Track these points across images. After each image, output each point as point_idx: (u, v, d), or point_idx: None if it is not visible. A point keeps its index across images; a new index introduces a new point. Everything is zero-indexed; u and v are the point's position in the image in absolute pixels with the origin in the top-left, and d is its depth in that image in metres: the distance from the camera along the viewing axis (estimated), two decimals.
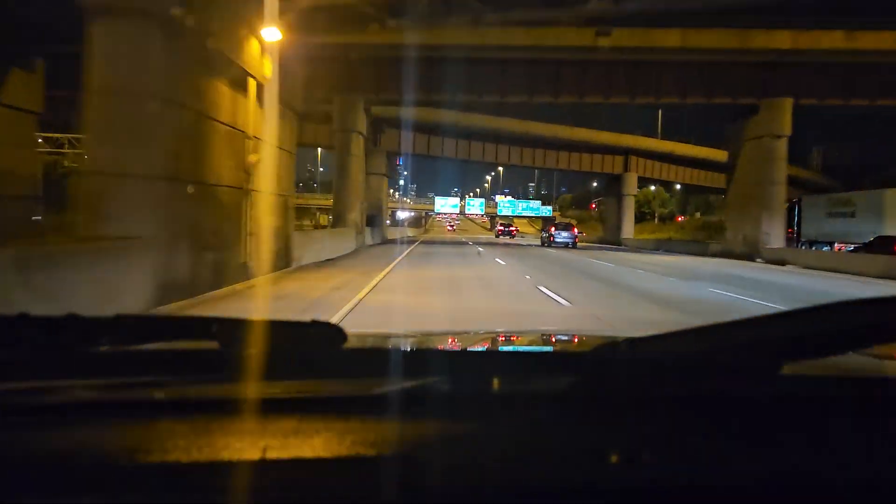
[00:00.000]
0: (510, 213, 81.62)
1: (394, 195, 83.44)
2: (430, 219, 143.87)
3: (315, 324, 0.89)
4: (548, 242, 36.75)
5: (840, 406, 0.87)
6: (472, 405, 0.84)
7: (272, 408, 0.80)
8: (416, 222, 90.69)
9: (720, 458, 0.73)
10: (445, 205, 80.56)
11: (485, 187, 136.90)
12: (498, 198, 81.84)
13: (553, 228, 37.21)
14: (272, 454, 0.68)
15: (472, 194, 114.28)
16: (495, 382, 0.94)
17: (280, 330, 0.90)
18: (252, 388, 0.85)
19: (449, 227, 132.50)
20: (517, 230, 66.92)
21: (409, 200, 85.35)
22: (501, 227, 63.61)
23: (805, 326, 0.85)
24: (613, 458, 0.71)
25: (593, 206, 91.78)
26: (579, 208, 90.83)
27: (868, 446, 0.76)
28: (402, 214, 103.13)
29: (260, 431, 0.74)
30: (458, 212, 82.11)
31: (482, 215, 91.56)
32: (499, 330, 3.82)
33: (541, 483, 0.67)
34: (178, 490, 0.64)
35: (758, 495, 0.67)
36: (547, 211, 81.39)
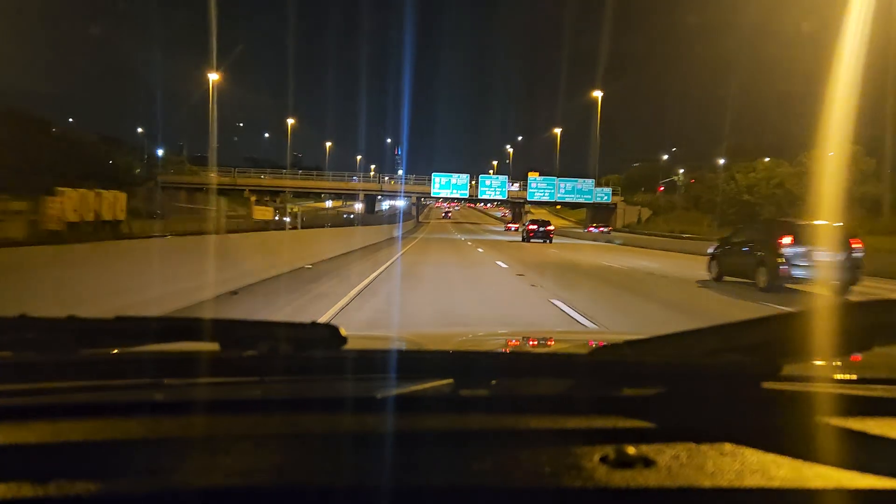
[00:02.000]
0: (546, 199, 55.29)
1: (382, 177, 57.41)
2: (428, 208, 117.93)
3: (314, 325, 0.91)
4: (780, 278, 10.42)
5: (839, 407, 0.88)
6: (471, 406, 0.87)
7: (272, 409, 0.84)
8: (407, 213, 64.53)
9: (718, 459, 0.73)
10: (448, 184, 54.31)
11: (497, 167, 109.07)
12: (531, 175, 55.39)
13: (783, 239, 10.85)
14: (272, 454, 0.71)
15: (491, 171, 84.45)
16: (494, 384, 0.95)
17: (280, 331, 0.92)
18: (252, 390, 0.90)
19: (444, 216, 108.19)
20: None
21: (395, 182, 59.02)
22: (533, 225, 37.24)
23: (804, 328, 0.86)
24: (612, 459, 0.72)
25: (661, 188, 65.35)
26: (646, 191, 64.17)
27: (867, 446, 0.78)
28: (387, 204, 78.22)
29: (260, 432, 0.77)
30: (466, 196, 55.86)
31: (503, 203, 65.23)
32: (499, 331, 3.81)
33: (539, 485, 0.68)
34: (178, 490, 0.65)
35: (758, 498, 0.67)
36: (604, 195, 55.00)
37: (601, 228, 52.70)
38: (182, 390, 0.91)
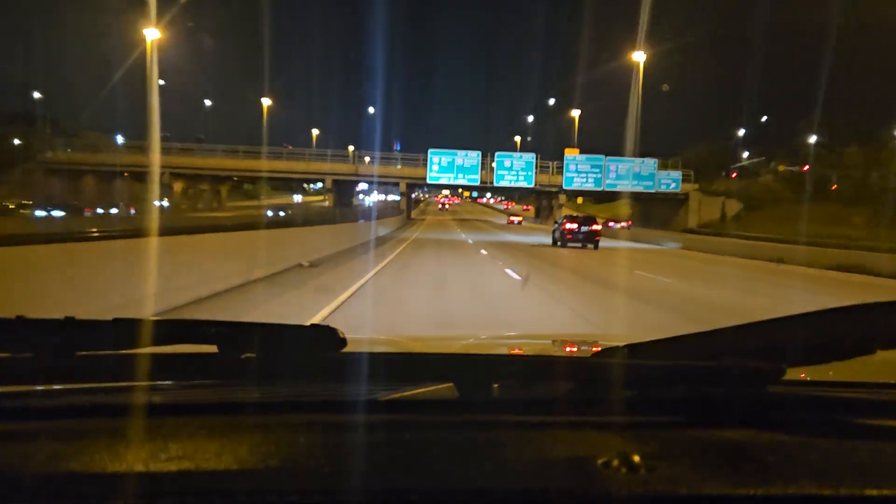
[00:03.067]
0: (591, 186, 39.97)
1: (355, 156, 41.98)
2: (424, 203, 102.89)
3: (314, 328, 0.92)
4: None
5: (843, 410, 0.90)
6: (472, 410, 0.88)
7: (271, 411, 0.86)
8: (393, 208, 49.03)
9: (723, 465, 0.74)
10: (451, 166, 38.88)
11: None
12: (568, 152, 39.78)
13: None
14: (270, 457, 0.72)
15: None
16: (494, 388, 0.97)
17: (279, 334, 0.92)
18: (251, 392, 0.92)
19: (441, 208, 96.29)
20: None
21: (377, 164, 43.09)
22: (572, 224, 25.86)
23: (807, 331, 0.87)
24: (614, 464, 0.72)
25: (735, 174, 50.26)
26: (724, 177, 48.32)
27: (870, 450, 0.79)
28: (373, 198, 62.32)
29: (259, 435, 0.77)
30: (477, 183, 40.35)
31: (529, 193, 49.54)
32: (500, 334, 3.75)
33: (541, 489, 0.69)
34: (177, 490, 0.66)
35: (763, 503, 0.68)
36: (671, 182, 39.64)
37: (621, 224, 43.38)
38: (180, 392, 0.92)
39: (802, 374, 0.99)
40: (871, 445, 0.79)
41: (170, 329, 0.93)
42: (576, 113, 47.68)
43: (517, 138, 63.18)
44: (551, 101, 55.46)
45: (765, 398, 0.87)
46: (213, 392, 0.93)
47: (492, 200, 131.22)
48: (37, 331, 0.86)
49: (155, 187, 38.00)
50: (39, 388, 0.90)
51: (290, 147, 42.52)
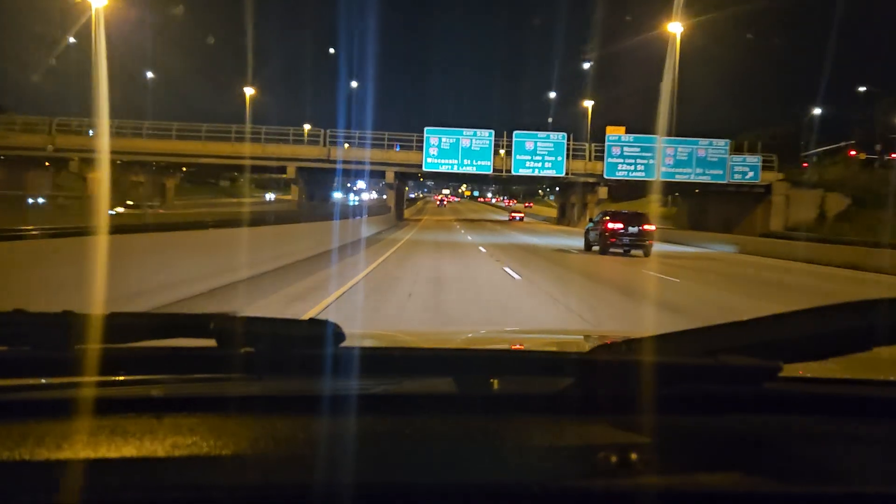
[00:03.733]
0: (641, 175, 30.71)
1: (326, 137, 32.49)
2: (422, 201, 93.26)
3: (313, 322, 0.93)
4: None
5: (839, 408, 0.91)
6: (471, 405, 0.90)
7: (270, 407, 0.87)
8: (379, 206, 39.43)
9: (719, 462, 0.76)
10: (455, 150, 29.37)
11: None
12: (611, 131, 30.34)
13: None
14: (269, 452, 0.73)
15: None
16: (493, 383, 1.00)
17: (277, 328, 0.94)
18: (249, 387, 0.94)
19: (440, 204, 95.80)
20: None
21: (358, 147, 33.37)
22: (616, 223, 18.87)
23: (804, 328, 0.88)
24: (612, 459, 0.73)
25: (806, 164, 40.82)
26: (789, 166, 38.37)
27: (867, 448, 0.81)
28: (355, 198, 52.25)
29: (257, 430, 0.79)
30: (489, 171, 30.74)
31: (555, 184, 39.31)
32: (499, 329, 3.98)
33: (537, 482, 0.70)
34: (177, 484, 0.68)
35: (760, 501, 0.70)
36: (748, 170, 30.21)
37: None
38: (178, 386, 0.94)
39: (799, 371, 0.99)
40: (868, 443, 0.81)
41: (167, 323, 0.93)
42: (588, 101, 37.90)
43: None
44: (586, 65, 45.27)
45: (761, 395, 0.88)
46: (211, 386, 0.94)
47: (493, 199, 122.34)
48: (34, 324, 0.87)
49: (105, 177, 28.95)
50: (37, 381, 0.90)
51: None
